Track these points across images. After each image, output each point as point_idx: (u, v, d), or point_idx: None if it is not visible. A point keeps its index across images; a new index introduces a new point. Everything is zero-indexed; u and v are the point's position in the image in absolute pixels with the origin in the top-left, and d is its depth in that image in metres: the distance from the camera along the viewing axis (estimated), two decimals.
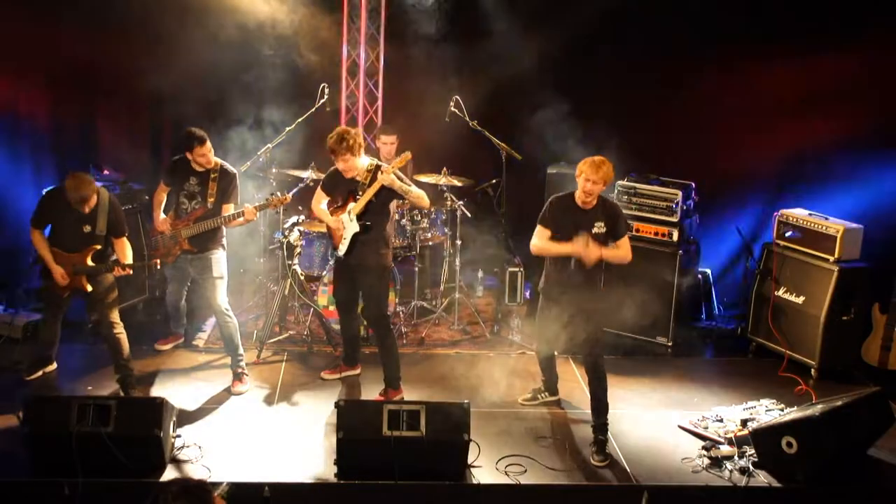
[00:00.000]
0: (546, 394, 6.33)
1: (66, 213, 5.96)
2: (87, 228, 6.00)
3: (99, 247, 6.05)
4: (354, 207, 6.08)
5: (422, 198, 6.15)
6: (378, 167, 6.11)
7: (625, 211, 7.36)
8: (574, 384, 6.55)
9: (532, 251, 5.92)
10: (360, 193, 6.08)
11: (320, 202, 6.30)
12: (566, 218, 5.73)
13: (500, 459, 5.53)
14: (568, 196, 5.79)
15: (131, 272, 6.16)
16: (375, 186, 5.99)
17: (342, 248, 6.18)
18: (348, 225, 6.13)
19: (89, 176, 6.01)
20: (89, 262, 6.03)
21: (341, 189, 6.20)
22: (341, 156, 5.96)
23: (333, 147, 5.96)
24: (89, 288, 6.04)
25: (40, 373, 6.38)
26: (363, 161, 6.12)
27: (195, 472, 5.22)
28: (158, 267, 6.24)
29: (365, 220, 6.07)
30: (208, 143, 6.30)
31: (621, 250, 5.77)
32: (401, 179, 6.07)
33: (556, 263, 5.86)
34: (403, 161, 6.16)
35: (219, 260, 6.46)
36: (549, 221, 5.79)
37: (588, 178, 5.60)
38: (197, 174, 6.40)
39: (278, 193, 6.65)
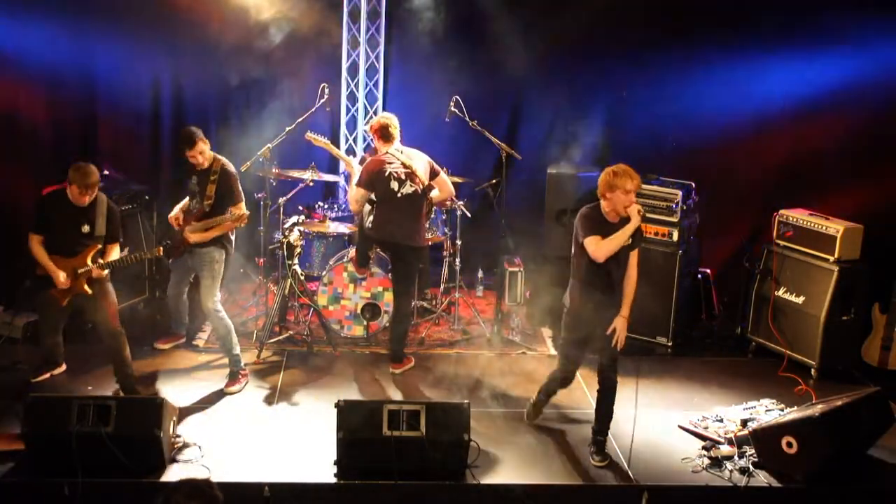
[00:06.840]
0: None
1: (64, 214, 5.93)
2: (86, 228, 5.96)
3: (100, 246, 6.01)
4: None
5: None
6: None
7: None
8: (574, 384, 6.52)
9: (600, 259, 5.45)
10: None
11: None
12: (602, 230, 5.50)
13: (500, 459, 5.52)
14: (596, 208, 5.54)
15: (104, 273, 5.98)
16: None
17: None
18: None
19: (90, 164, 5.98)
20: (89, 263, 5.96)
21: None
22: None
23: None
24: (90, 291, 5.98)
25: (48, 375, 6.33)
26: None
27: (195, 472, 5.22)
28: (159, 255, 6.23)
29: None
30: (199, 145, 6.19)
31: (631, 272, 5.57)
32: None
33: (589, 285, 5.57)
34: None
35: (213, 259, 6.34)
36: (596, 230, 5.48)
37: (628, 189, 5.36)
38: (197, 173, 6.35)
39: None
